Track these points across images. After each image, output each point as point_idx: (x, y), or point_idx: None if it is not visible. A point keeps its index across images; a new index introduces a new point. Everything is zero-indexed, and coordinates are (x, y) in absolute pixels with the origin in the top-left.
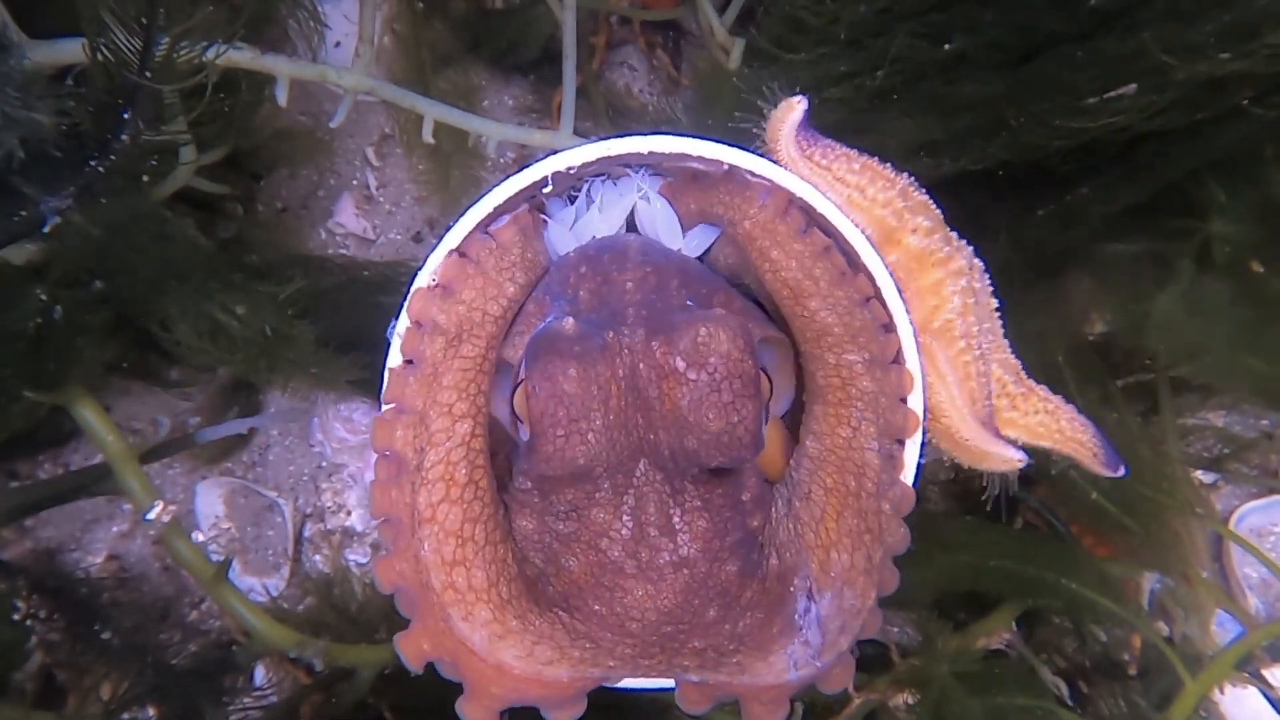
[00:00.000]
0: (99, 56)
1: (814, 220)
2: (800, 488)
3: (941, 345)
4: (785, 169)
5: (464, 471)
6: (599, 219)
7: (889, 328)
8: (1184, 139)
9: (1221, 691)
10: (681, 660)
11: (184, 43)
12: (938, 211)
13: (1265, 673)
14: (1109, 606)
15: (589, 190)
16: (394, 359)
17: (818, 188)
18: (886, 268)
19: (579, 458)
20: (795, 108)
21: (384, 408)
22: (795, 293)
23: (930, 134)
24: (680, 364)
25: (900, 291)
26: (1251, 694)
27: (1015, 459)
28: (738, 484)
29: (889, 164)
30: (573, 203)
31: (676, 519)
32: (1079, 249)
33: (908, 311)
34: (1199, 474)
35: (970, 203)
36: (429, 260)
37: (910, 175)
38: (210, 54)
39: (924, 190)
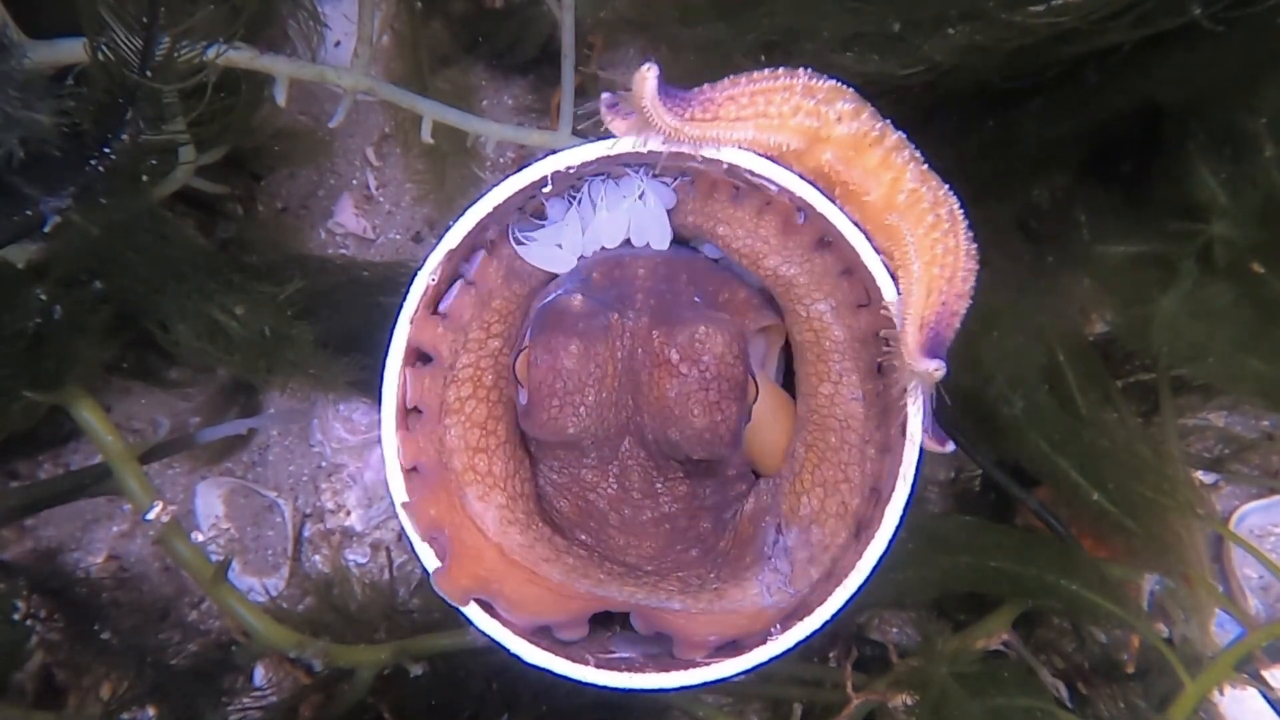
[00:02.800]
0: (99, 56)
1: (809, 216)
2: (787, 447)
3: (909, 223)
4: (686, 138)
5: (490, 378)
6: (606, 221)
7: (849, 271)
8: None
9: (1221, 693)
10: (666, 585)
11: (184, 42)
12: (853, 91)
13: (1265, 674)
14: (1109, 607)
15: (589, 190)
16: (414, 298)
17: (718, 141)
18: (859, 228)
19: (569, 427)
20: (648, 78)
21: (432, 314)
22: (753, 257)
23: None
24: (675, 356)
25: (849, 216)
26: (1251, 695)
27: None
28: (722, 462)
29: (772, 67)
30: (575, 203)
31: (659, 486)
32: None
33: (881, 258)
34: (1199, 474)
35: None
36: (428, 260)
37: (808, 70)
38: (210, 54)
39: (829, 77)
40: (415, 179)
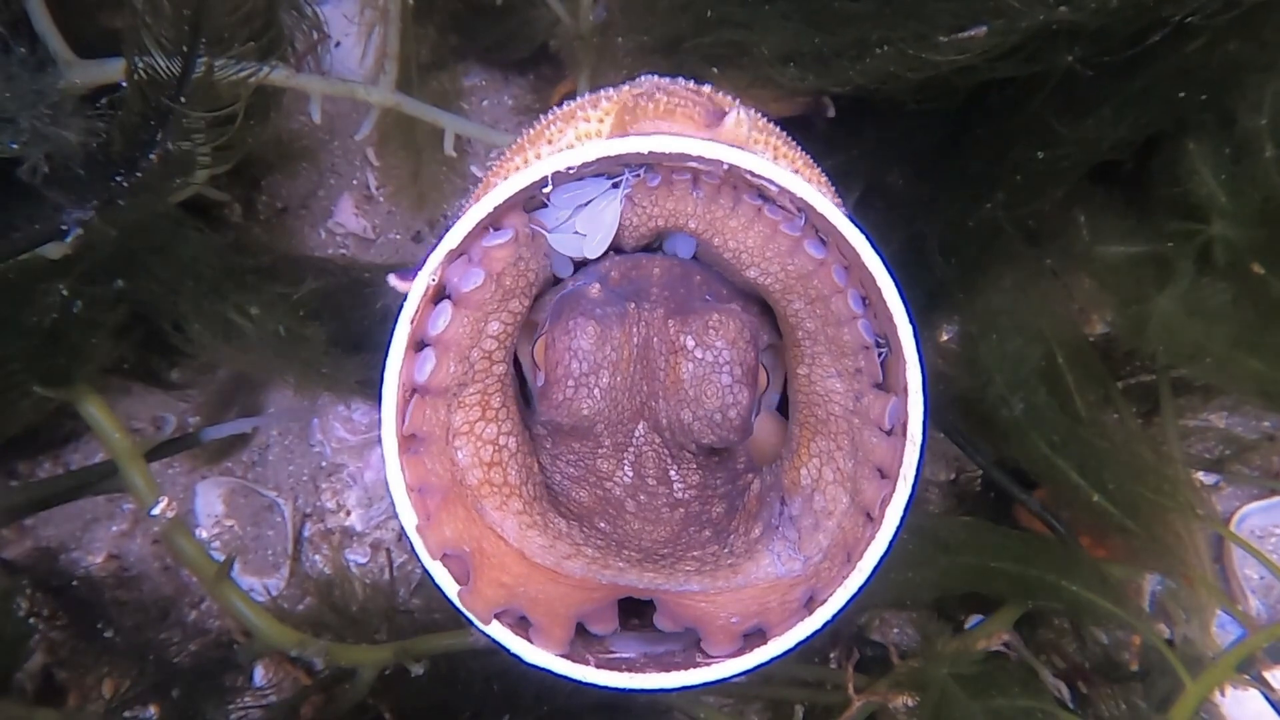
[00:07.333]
0: (137, 78)
1: (796, 204)
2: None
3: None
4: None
5: (498, 400)
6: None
7: (822, 264)
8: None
9: (1222, 693)
10: (683, 566)
11: (219, 62)
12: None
13: (1266, 675)
14: (1109, 608)
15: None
16: (414, 298)
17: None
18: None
19: (584, 409)
20: None
21: (426, 336)
22: (737, 266)
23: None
24: (690, 342)
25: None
26: (1252, 696)
27: None
28: (732, 454)
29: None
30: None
31: (673, 473)
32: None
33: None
34: (1200, 475)
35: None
36: (428, 260)
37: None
38: (247, 74)
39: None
40: (389, 176)
